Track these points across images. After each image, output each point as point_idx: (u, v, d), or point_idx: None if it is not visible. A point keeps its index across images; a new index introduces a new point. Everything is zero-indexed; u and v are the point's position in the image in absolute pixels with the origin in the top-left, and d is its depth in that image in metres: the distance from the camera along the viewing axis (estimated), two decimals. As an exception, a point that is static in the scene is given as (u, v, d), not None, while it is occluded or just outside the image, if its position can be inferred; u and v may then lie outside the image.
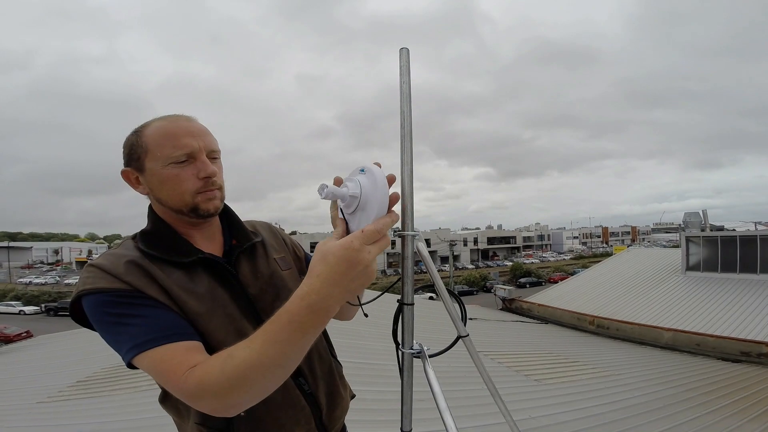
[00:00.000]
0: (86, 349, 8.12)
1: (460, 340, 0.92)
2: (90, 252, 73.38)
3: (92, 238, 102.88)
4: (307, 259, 1.12)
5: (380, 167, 0.75)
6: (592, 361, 7.94)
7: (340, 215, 0.79)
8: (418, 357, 0.87)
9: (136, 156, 0.87)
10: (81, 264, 65.81)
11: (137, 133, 0.88)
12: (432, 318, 8.88)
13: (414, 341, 0.86)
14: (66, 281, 47.09)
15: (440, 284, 0.88)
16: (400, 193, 0.78)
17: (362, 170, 0.77)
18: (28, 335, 19.46)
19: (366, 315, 0.88)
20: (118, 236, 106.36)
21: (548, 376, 6.47)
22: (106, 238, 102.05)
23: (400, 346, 0.87)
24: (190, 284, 0.84)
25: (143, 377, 5.53)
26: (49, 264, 68.18)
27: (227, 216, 1.00)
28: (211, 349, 0.79)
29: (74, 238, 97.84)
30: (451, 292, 0.90)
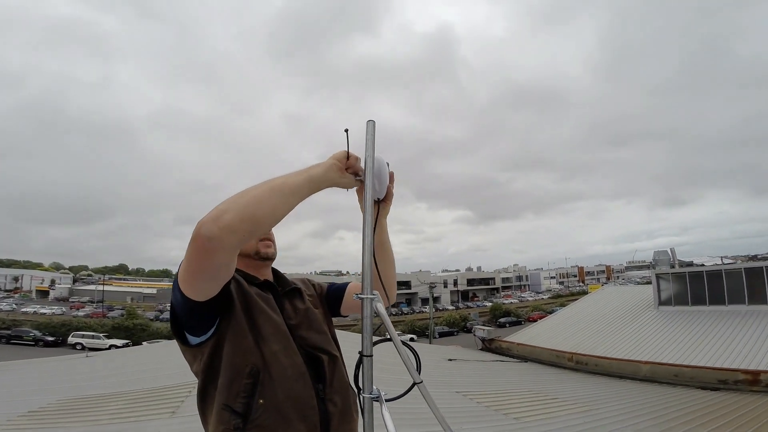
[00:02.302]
0: (40, 379, 7.50)
1: (416, 386, 1.04)
2: (53, 281, 69.58)
3: (57, 267, 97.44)
4: (331, 288, 1.41)
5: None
6: (571, 397, 7.86)
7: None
8: (377, 401, 0.99)
9: None
10: (42, 293, 62.12)
11: None
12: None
13: (374, 386, 1.00)
14: (23, 309, 43.97)
15: (396, 339, 1.01)
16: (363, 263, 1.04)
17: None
18: None
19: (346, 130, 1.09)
20: (85, 267, 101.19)
21: (527, 413, 6.39)
22: (71, 269, 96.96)
23: (361, 392, 1.00)
24: (261, 293, 1.16)
25: (104, 411, 5.17)
26: (6, 291, 64.18)
27: (273, 271, 1.33)
28: (258, 344, 1.05)
29: (38, 266, 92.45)
30: (405, 344, 1.02)
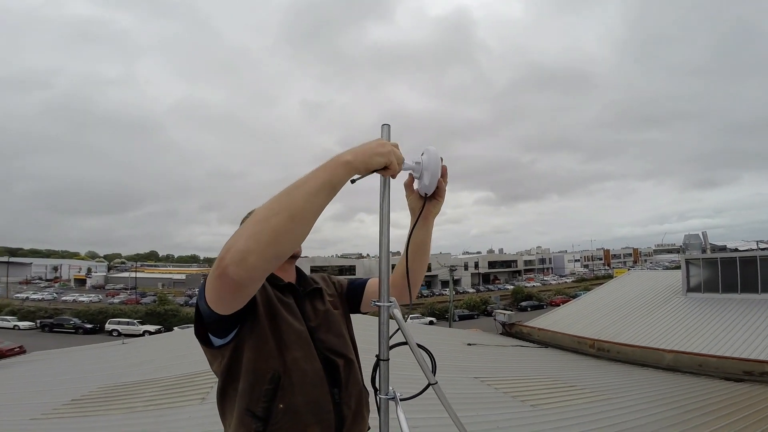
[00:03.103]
0: (81, 367, 8.06)
1: (430, 387, 1.09)
2: (89, 270, 73.13)
3: (92, 256, 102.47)
4: (351, 285, 1.43)
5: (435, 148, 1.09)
6: (590, 385, 7.82)
7: (415, 186, 1.17)
8: (393, 400, 1.07)
9: None
10: (79, 281, 65.48)
11: (251, 211, 1.21)
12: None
13: (390, 387, 1.07)
14: (63, 298, 46.73)
15: (412, 343, 1.05)
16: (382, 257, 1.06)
17: (422, 153, 1.10)
18: (21, 350, 19.28)
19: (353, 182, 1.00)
20: (119, 255, 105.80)
21: (545, 401, 6.39)
22: (106, 257, 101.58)
23: (378, 392, 1.07)
24: (282, 297, 1.18)
25: (140, 398, 5.50)
26: (47, 280, 67.89)
27: (296, 269, 1.34)
28: (280, 350, 1.07)
29: (74, 256, 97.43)
30: (420, 346, 1.07)
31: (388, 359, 1.05)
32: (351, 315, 1.39)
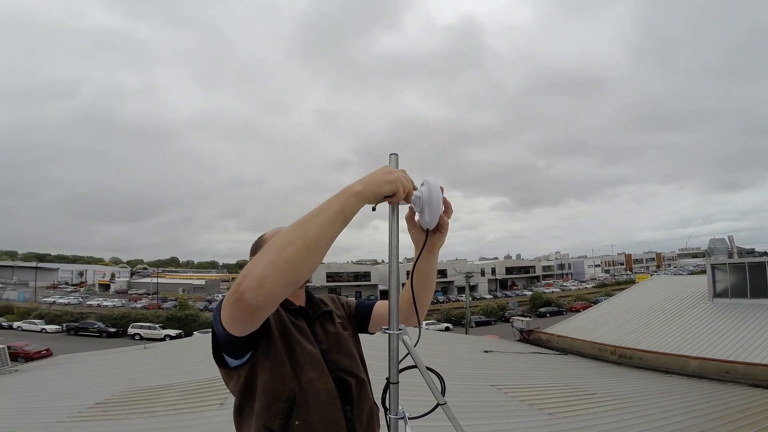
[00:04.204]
0: (105, 371, 8.31)
1: (439, 407, 1.12)
2: (113, 275, 75.42)
3: (116, 262, 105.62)
4: (359, 307, 1.47)
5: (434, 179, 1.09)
6: (611, 393, 7.63)
7: (416, 218, 1.16)
8: (402, 420, 1.12)
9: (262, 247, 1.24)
10: (103, 286, 67.48)
11: (261, 237, 1.34)
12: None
13: (399, 407, 1.12)
14: (88, 302, 48.19)
15: (422, 367, 1.09)
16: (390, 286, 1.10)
17: (422, 183, 1.09)
18: (48, 353, 20.03)
19: (374, 209, 1.08)
20: (141, 261, 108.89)
21: (563, 409, 6.27)
22: (129, 263, 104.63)
23: (389, 412, 1.12)
24: (295, 321, 1.22)
25: (161, 402, 5.63)
26: (73, 285, 70.01)
27: (306, 291, 1.39)
28: (295, 372, 1.11)
29: (99, 261, 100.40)
30: (430, 369, 1.11)
31: (398, 382, 1.10)
32: (360, 335, 1.44)
